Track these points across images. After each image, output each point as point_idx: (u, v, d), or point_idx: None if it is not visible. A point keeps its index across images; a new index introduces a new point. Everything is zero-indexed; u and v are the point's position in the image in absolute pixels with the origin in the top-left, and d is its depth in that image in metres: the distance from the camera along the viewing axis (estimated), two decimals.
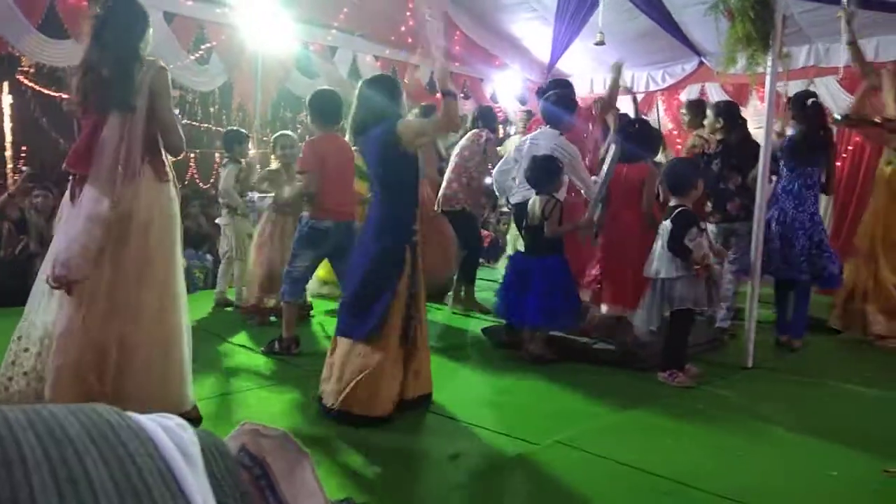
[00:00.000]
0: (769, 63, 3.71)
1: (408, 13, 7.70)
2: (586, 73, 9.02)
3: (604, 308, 4.22)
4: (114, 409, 0.94)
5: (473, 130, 5.56)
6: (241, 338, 4.49)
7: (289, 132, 5.39)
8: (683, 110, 5.58)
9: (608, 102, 4.88)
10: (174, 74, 6.15)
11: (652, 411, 3.15)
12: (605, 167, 4.10)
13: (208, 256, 6.78)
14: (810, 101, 4.35)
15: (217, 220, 5.66)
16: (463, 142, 5.53)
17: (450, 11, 8.04)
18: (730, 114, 4.68)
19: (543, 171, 3.99)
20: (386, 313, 2.98)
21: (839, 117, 4.66)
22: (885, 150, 4.61)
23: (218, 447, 1.04)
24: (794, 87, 7.32)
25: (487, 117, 5.78)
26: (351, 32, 7.28)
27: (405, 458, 2.58)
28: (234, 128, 5.85)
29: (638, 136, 4.19)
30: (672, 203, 3.68)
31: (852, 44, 4.53)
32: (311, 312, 5.12)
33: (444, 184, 5.42)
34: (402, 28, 7.70)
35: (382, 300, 2.99)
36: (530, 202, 4.04)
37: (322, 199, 3.99)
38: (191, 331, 2.81)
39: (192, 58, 6.27)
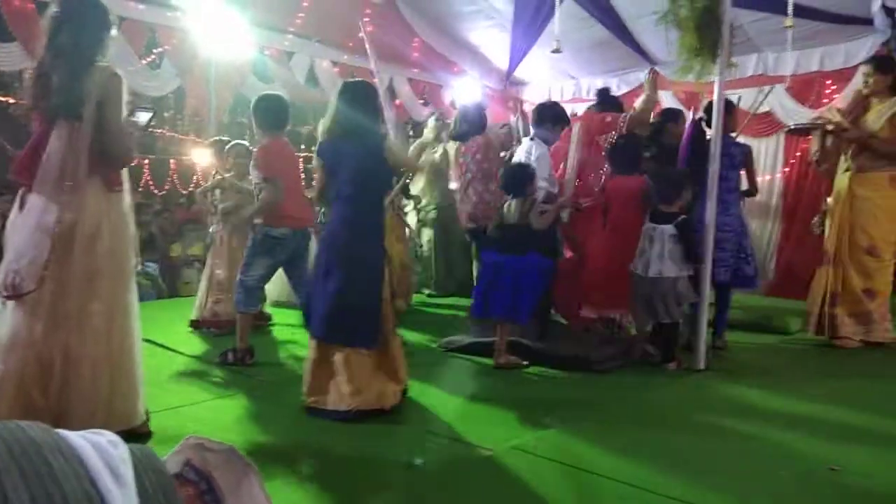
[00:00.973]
0: (717, 72, 3.80)
1: (366, 19, 7.67)
2: (544, 80, 9.13)
3: (598, 312, 4.36)
4: (41, 426, 0.90)
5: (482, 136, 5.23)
6: (195, 349, 4.40)
7: (243, 142, 5.31)
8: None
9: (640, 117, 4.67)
10: (125, 79, 6.04)
11: (607, 415, 3.18)
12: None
13: (151, 265, 6.63)
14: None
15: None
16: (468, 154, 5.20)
17: (409, 18, 8.05)
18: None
19: (518, 178, 4.13)
20: (381, 317, 3.16)
21: (793, 127, 4.87)
22: (842, 159, 4.70)
23: (152, 464, 1.01)
24: (746, 95, 7.56)
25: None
26: (308, 37, 7.22)
27: (361, 468, 2.55)
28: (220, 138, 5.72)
29: (627, 149, 4.33)
30: (665, 209, 3.98)
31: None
32: (271, 322, 5.03)
33: (474, 198, 5.00)
34: (361, 34, 7.66)
35: (375, 305, 3.15)
36: (506, 206, 4.11)
37: (277, 206, 3.92)
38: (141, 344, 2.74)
39: (144, 62, 6.14)
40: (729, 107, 4.32)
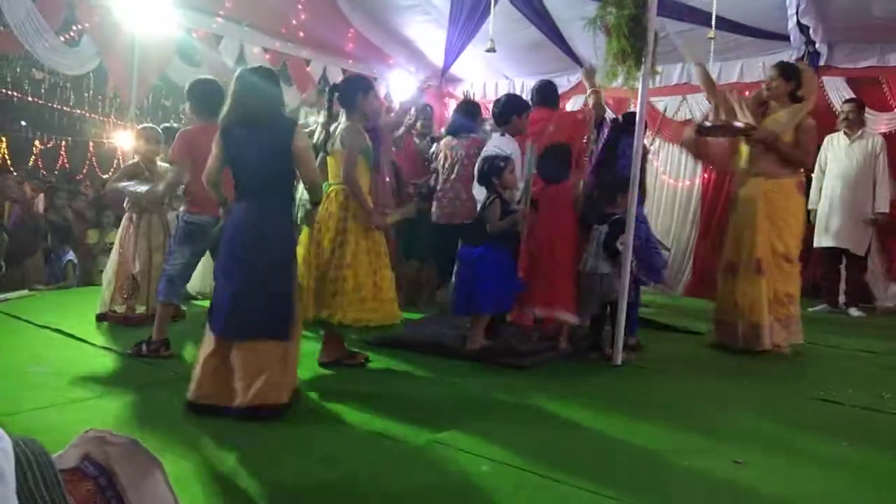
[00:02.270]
0: (641, 79, 3.92)
1: (299, 6, 7.53)
2: (479, 77, 9.20)
3: (538, 311, 4.26)
4: None
5: (472, 136, 5.23)
6: (106, 340, 4.22)
7: (153, 125, 5.12)
8: None
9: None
10: (40, 55, 5.72)
11: (524, 409, 3.23)
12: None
13: (70, 252, 6.33)
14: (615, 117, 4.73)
15: None
16: (460, 148, 5.19)
17: (344, 8, 7.95)
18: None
19: (485, 171, 4.17)
20: (295, 307, 3.08)
21: (706, 125, 4.80)
22: (740, 161, 4.75)
23: (39, 460, 0.96)
24: (670, 102, 7.84)
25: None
26: (238, 21, 7.02)
27: (275, 462, 2.50)
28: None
29: (557, 156, 4.35)
30: (609, 210, 4.19)
31: (699, 65, 4.82)
32: (183, 316, 4.83)
33: (451, 194, 5.11)
34: (294, 21, 7.52)
35: (287, 296, 3.06)
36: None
37: (198, 193, 3.78)
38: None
39: (62, 39, 5.83)
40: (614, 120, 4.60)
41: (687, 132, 4.92)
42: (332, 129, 3.73)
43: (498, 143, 4.47)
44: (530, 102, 4.79)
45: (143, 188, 4.57)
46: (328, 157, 3.75)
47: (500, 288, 4.03)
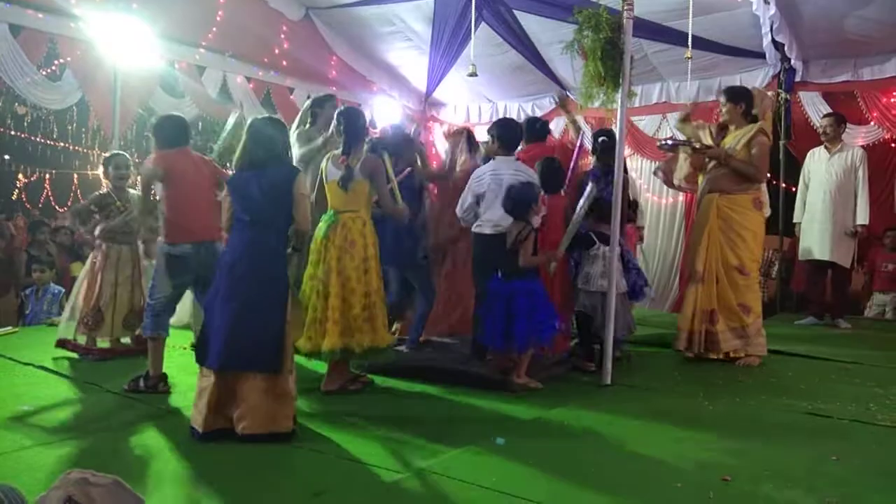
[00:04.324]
0: (619, 100, 3.98)
1: (282, 35, 7.59)
2: (462, 102, 9.29)
3: None
4: None
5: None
6: (90, 376, 4.16)
7: (121, 152, 5.07)
8: None
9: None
10: (21, 91, 5.72)
11: (515, 434, 3.21)
12: (581, 203, 4.12)
13: (54, 287, 6.23)
14: (601, 139, 4.75)
15: None
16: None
17: (326, 36, 8.02)
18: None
19: (522, 198, 3.94)
20: (285, 341, 3.10)
21: (662, 143, 5.22)
22: (700, 179, 4.98)
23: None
24: (650, 122, 7.95)
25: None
26: (221, 52, 7.07)
27: (267, 498, 2.47)
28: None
29: (551, 171, 4.49)
30: (606, 230, 4.22)
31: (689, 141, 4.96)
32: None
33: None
34: (277, 50, 7.58)
35: (278, 329, 3.09)
36: (508, 226, 3.98)
37: (175, 219, 3.73)
38: None
39: (43, 73, 5.84)
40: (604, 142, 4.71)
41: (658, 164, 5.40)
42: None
43: (518, 168, 4.25)
44: (522, 139, 4.75)
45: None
46: (339, 188, 3.80)
47: (537, 324, 3.88)
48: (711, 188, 4.82)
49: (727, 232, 4.73)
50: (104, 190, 4.81)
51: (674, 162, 5.18)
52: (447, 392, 3.91)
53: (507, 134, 4.37)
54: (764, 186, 5.25)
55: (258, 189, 3.18)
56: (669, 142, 5.15)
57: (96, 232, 4.71)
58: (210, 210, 3.88)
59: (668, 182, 5.41)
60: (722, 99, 4.91)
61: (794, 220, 6.57)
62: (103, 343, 4.68)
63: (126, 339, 4.81)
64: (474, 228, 4.29)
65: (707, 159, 4.85)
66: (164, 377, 3.83)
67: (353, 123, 3.91)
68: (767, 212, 5.61)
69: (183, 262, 3.76)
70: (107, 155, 4.96)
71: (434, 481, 2.59)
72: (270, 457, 2.84)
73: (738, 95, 4.86)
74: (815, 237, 6.31)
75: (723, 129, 4.94)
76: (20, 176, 13.11)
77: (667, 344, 5.20)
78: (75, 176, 9.49)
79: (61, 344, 4.64)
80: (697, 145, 4.81)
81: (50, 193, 10.10)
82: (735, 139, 4.75)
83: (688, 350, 4.78)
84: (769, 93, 6.10)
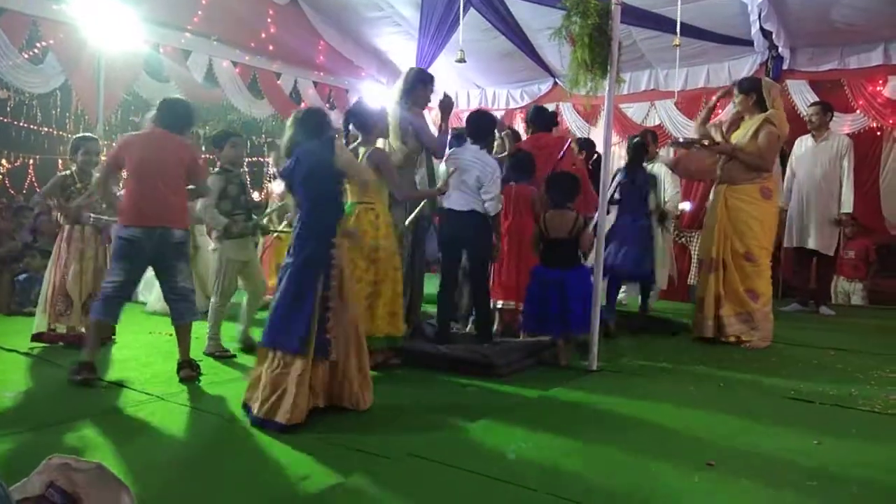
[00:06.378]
0: (607, 87, 3.98)
1: (269, 20, 7.52)
2: (451, 88, 9.23)
3: (500, 303, 4.78)
4: None
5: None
6: (73, 363, 4.13)
7: (91, 135, 4.96)
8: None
9: None
10: (3, 74, 5.64)
11: (503, 418, 3.23)
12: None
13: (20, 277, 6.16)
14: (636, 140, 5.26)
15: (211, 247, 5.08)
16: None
17: (313, 21, 7.95)
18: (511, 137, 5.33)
19: (566, 188, 4.33)
20: (311, 323, 3.05)
21: (673, 142, 5.57)
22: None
23: None
24: (639, 109, 7.94)
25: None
26: (207, 36, 6.99)
27: (252, 483, 2.47)
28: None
29: (521, 162, 4.89)
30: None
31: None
32: (113, 337, 4.68)
33: None
34: (263, 35, 7.51)
35: (305, 309, 3.07)
36: (548, 216, 4.28)
37: (128, 201, 3.63)
38: None
39: (25, 56, 5.76)
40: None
41: (662, 153, 5.66)
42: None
43: (478, 156, 4.39)
44: (528, 128, 5.17)
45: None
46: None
47: (588, 308, 4.14)
48: (722, 179, 5.00)
49: (734, 222, 4.88)
50: (66, 171, 4.72)
51: (690, 158, 5.38)
52: (428, 375, 3.94)
53: (471, 127, 4.60)
54: (776, 175, 5.41)
55: (306, 173, 3.24)
56: (680, 140, 5.51)
57: (57, 215, 4.66)
58: (174, 195, 3.69)
59: (680, 173, 5.66)
60: (735, 90, 5.05)
61: (780, 207, 6.63)
62: (81, 329, 4.56)
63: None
64: (445, 204, 4.47)
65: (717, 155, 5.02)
66: (89, 365, 3.59)
67: (365, 118, 4.06)
68: (780, 200, 5.82)
69: (132, 246, 3.60)
70: (78, 136, 4.82)
71: (417, 465, 2.60)
72: (256, 442, 2.84)
73: (747, 86, 5.01)
74: (800, 225, 6.37)
75: (738, 121, 5.10)
76: (3, 161, 12.93)
77: (658, 330, 5.33)
78: (59, 161, 9.36)
79: (37, 338, 4.56)
80: (706, 142, 5.01)
81: (34, 179, 9.97)
82: (745, 130, 4.90)
83: (700, 334, 4.95)
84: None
